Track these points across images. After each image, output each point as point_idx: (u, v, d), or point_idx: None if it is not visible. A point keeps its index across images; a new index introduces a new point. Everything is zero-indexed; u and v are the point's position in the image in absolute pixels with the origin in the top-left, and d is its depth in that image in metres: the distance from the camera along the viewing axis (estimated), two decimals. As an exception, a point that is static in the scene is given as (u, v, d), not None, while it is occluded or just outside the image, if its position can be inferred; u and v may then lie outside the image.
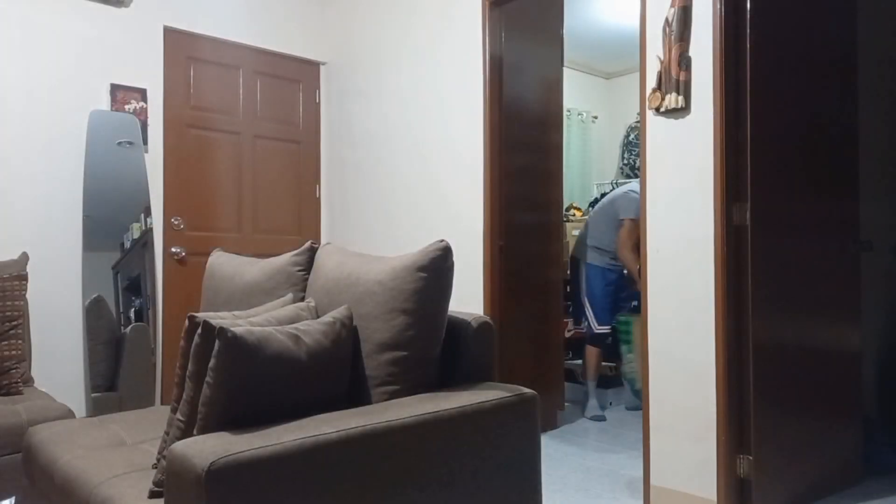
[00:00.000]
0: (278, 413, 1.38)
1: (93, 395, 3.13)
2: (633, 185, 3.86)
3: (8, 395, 2.49)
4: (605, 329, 4.02)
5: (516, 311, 3.45)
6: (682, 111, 2.49)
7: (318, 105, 4.29)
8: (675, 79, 2.48)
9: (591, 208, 5.29)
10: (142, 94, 3.47)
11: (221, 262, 2.21)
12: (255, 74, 3.98)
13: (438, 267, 1.62)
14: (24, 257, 2.78)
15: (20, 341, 2.59)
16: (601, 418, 3.90)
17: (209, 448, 1.19)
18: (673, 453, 2.51)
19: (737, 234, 2.41)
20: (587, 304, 4.00)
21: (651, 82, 2.58)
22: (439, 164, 3.53)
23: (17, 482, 2.11)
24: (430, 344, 1.64)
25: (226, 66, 3.85)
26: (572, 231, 4.74)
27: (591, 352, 4.01)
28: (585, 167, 5.97)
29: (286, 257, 2.00)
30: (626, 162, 5.92)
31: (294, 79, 4.18)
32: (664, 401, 2.54)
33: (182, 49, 3.67)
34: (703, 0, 2.43)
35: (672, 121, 2.53)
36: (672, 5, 2.49)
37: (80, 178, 3.24)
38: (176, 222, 3.62)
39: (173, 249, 3.60)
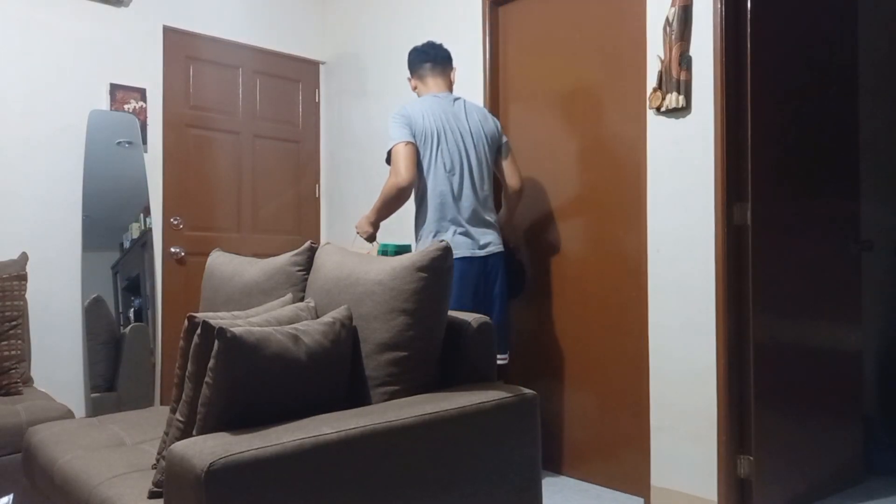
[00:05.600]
0: (278, 413, 1.38)
1: (92, 395, 3.12)
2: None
3: (8, 395, 2.49)
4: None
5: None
6: (682, 111, 2.49)
7: (317, 105, 4.28)
8: (676, 78, 2.48)
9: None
10: (141, 93, 3.46)
11: (221, 262, 2.21)
12: (255, 74, 3.97)
13: (438, 267, 1.62)
14: (24, 257, 2.78)
15: (20, 341, 2.58)
16: None
17: (208, 448, 1.19)
18: (673, 453, 2.51)
19: (737, 234, 2.41)
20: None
21: (652, 82, 2.58)
22: (439, 164, 3.52)
23: (17, 482, 2.11)
24: (430, 344, 1.64)
25: (225, 65, 3.85)
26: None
27: None
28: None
29: (286, 257, 2.00)
30: None
31: (294, 79, 4.17)
32: (665, 401, 2.54)
33: (182, 49, 3.66)
34: (704, 0, 2.44)
35: (673, 120, 2.53)
36: (672, 5, 2.49)
37: (79, 177, 3.24)
38: (175, 222, 3.61)
39: (172, 249, 3.60)
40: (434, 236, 2.60)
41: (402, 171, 2.55)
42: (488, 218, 2.70)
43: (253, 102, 3.97)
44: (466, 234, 2.62)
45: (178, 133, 3.65)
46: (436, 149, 2.62)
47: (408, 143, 2.58)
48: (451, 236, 2.59)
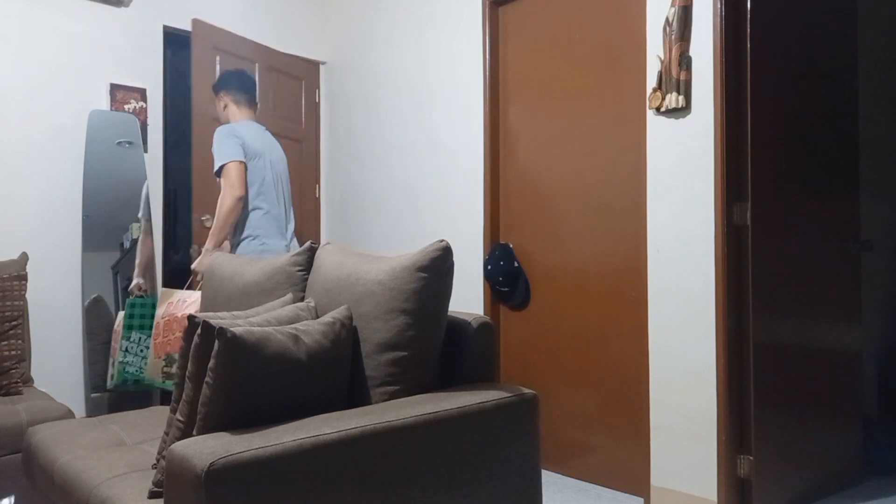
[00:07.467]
0: (278, 413, 1.38)
1: (92, 395, 3.12)
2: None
3: (8, 395, 2.49)
4: None
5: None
6: (682, 111, 2.49)
7: (317, 105, 4.28)
8: (676, 78, 2.48)
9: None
10: (141, 93, 3.46)
11: (221, 263, 2.21)
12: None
13: (438, 267, 1.62)
14: (24, 257, 2.78)
15: (20, 341, 2.58)
16: None
17: (209, 448, 1.19)
18: (673, 453, 2.51)
19: (737, 234, 2.41)
20: None
21: (651, 82, 2.58)
22: (439, 164, 3.53)
23: (17, 482, 2.11)
24: (430, 344, 1.64)
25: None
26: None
27: None
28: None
29: (286, 257, 2.00)
30: None
31: (294, 78, 4.17)
32: (665, 401, 2.54)
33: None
34: (704, 0, 2.44)
35: (672, 120, 2.53)
36: (672, 5, 2.49)
37: (79, 178, 3.24)
38: (205, 219, 3.59)
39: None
40: (256, 240, 3.04)
41: (238, 186, 2.95)
42: (289, 227, 3.24)
43: (253, 102, 3.96)
44: (282, 239, 3.15)
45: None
46: (261, 168, 3.07)
47: (241, 161, 2.98)
48: (276, 242, 3.07)
